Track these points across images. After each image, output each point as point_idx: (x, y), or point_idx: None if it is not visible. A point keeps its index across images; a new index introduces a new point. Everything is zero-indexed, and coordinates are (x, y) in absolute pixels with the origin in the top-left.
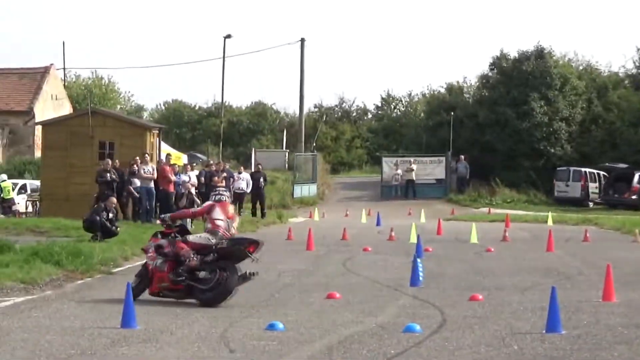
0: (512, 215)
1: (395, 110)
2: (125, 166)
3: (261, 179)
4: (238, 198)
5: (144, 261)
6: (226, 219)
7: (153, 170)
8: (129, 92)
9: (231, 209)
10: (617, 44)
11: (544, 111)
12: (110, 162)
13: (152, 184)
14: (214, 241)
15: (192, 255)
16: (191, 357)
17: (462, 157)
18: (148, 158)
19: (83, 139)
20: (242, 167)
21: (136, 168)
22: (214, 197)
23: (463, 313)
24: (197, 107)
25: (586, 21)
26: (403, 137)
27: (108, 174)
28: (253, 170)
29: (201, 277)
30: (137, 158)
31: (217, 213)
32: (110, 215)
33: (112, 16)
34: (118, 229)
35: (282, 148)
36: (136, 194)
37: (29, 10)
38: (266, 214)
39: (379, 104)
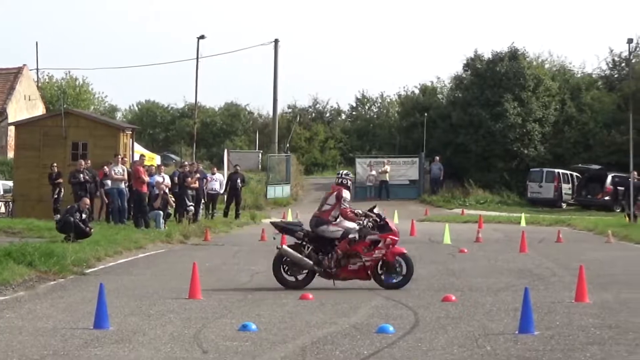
0: (485, 216)
1: (369, 111)
2: (98, 168)
3: (238, 180)
4: (211, 199)
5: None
6: None
7: (123, 171)
8: (103, 92)
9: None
10: (590, 46)
11: (518, 112)
12: (83, 162)
13: (123, 185)
14: None
15: None
16: (164, 358)
17: (437, 158)
18: (119, 159)
19: (56, 140)
20: (215, 168)
21: (106, 169)
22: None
23: (436, 314)
24: (170, 108)
25: (560, 22)
26: (377, 138)
27: (81, 175)
28: (231, 171)
29: None
30: (111, 162)
31: None
32: (84, 215)
33: (86, 17)
34: (92, 229)
35: (255, 149)
36: (105, 198)
37: (1, 10)
38: (240, 214)
39: (354, 105)
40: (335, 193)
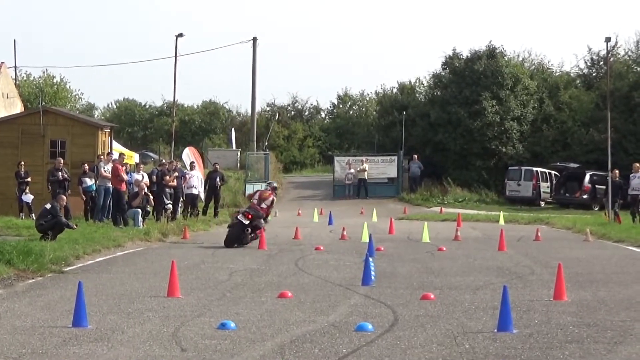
0: (464, 214)
1: (351, 110)
2: (76, 166)
3: (218, 178)
4: (191, 200)
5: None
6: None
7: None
8: (81, 90)
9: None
10: (569, 44)
11: (496, 110)
12: (61, 160)
13: (109, 183)
14: None
15: None
16: (143, 356)
17: (415, 156)
18: (112, 157)
19: (34, 138)
20: (193, 164)
21: (86, 167)
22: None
23: (415, 312)
24: (148, 106)
25: (538, 21)
26: (355, 136)
27: (59, 173)
28: (210, 169)
29: None
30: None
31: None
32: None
33: (64, 15)
34: (78, 225)
35: (232, 147)
36: (83, 196)
37: None
38: (219, 213)
39: (335, 102)
40: (271, 198)
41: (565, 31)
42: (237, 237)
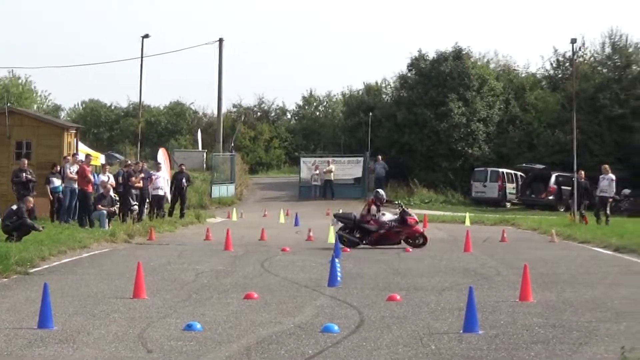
0: (430, 215)
1: (316, 111)
2: (42, 167)
3: (184, 179)
4: (157, 201)
5: None
6: None
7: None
8: (46, 91)
9: None
10: (534, 45)
11: (462, 112)
12: (26, 161)
13: (75, 184)
14: None
15: None
16: (109, 358)
17: (379, 157)
18: (77, 158)
19: (0, 139)
20: (160, 165)
21: (58, 168)
22: None
23: (381, 313)
24: (114, 107)
25: (504, 22)
26: (322, 137)
27: (23, 174)
28: (176, 170)
29: None
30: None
31: None
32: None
33: (30, 15)
34: (44, 228)
35: (198, 148)
36: (52, 195)
37: None
38: (185, 214)
39: (301, 104)
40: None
41: (532, 32)
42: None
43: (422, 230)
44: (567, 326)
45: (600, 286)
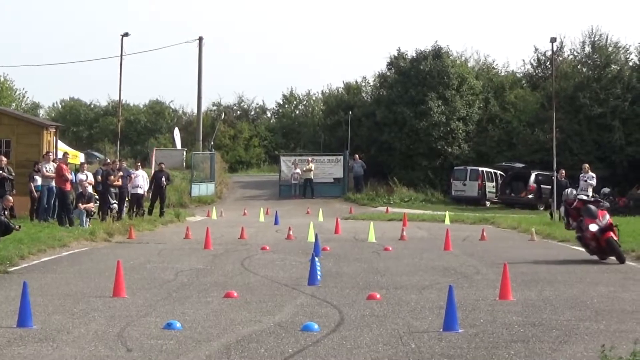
0: (409, 214)
1: (296, 110)
2: (21, 166)
3: (163, 178)
4: (137, 199)
5: None
6: None
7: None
8: (25, 89)
9: None
10: (514, 44)
11: (442, 111)
12: (4, 159)
13: (53, 183)
14: None
15: None
16: (88, 357)
17: (357, 156)
18: (51, 156)
19: None
20: (139, 163)
21: (39, 167)
22: None
23: (361, 312)
24: (93, 106)
25: (484, 21)
26: (301, 136)
27: (0, 171)
28: (156, 169)
29: None
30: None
31: None
32: (6, 212)
33: (8, 13)
34: (20, 227)
35: (176, 147)
36: (35, 193)
37: None
38: (165, 212)
39: (281, 102)
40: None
41: (511, 31)
42: None
43: None
44: (546, 325)
45: (580, 285)
